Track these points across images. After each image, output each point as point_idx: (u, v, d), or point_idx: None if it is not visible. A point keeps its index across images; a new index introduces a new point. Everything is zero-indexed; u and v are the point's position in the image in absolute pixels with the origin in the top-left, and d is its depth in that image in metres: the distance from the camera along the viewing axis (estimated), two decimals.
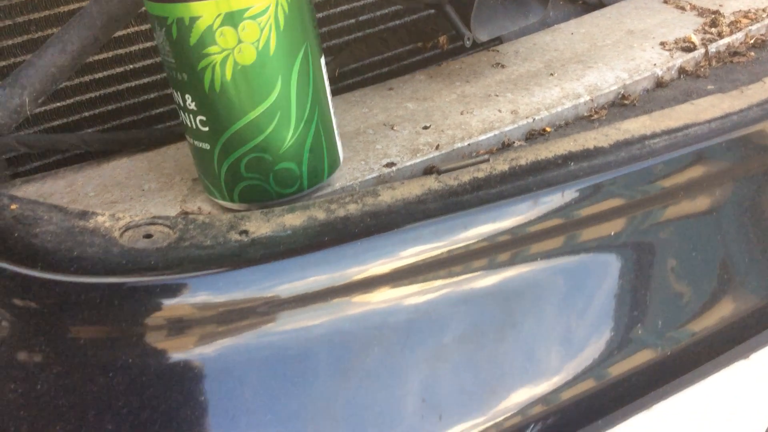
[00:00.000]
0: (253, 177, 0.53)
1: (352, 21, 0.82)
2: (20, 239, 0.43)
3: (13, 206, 0.45)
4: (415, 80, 0.75)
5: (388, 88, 0.74)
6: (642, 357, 0.53)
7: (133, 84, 0.73)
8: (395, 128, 0.67)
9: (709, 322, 0.56)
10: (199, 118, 0.52)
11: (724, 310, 0.57)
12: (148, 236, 0.45)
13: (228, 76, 0.50)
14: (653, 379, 0.52)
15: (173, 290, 0.42)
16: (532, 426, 0.49)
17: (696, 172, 0.57)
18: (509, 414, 0.48)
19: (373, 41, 0.80)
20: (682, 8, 0.87)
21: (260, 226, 0.47)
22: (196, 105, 0.52)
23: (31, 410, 0.39)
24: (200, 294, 0.42)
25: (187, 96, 0.52)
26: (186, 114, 0.53)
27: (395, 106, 0.71)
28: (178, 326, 0.41)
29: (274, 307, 0.44)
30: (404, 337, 0.46)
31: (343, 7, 0.80)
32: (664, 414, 0.52)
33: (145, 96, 0.74)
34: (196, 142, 0.54)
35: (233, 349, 0.42)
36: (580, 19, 0.88)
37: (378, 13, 0.83)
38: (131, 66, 0.73)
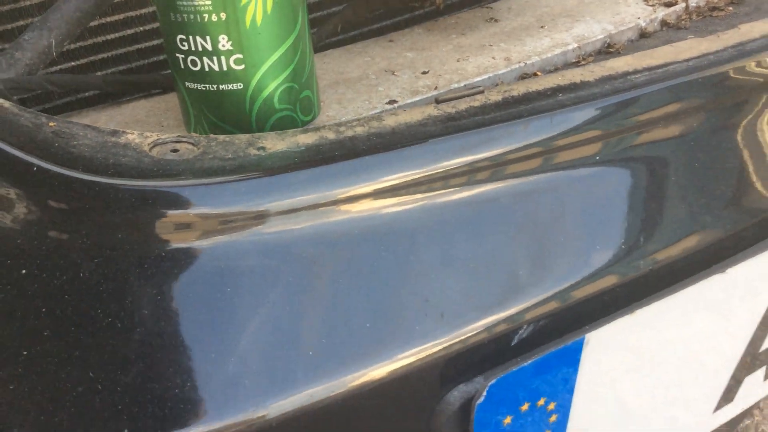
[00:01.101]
0: (284, 108, 0.58)
1: None
2: (60, 149, 0.47)
3: (52, 123, 0.50)
4: (414, 33, 0.80)
5: (388, 40, 0.79)
6: (628, 271, 0.57)
7: (143, 45, 0.77)
8: (396, 73, 0.71)
9: (690, 243, 0.61)
10: (234, 57, 0.56)
11: (704, 233, 0.62)
12: (175, 151, 0.50)
13: (269, 8, 0.54)
14: (637, 289, 0.57)
15: (201, 194, 0.46)
16: (524, 327, 0.53)
17: (677, 104, 0.61)
18: (505, 316, 0.53)
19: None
20: None
21: (276, 143, 0.52)
22: (232, 44, 0.55)
23: (74, 294, 0.43)
24: (224, 198, 0.47)
25: (221, 37, 0.55)
26: (215, 58, 0.56)
27: (395, 55, 0.75)
28: (206, 225, 0.46)
29: (289, 212, 0.48)
30: (409, 242, 0.51)
31: None
32: (646, 318, 0.56)
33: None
34: (223, 86, 0.57)
35: (251, 246, 0.47)
36: None
37: None
38: (142, 28, 0.77)
